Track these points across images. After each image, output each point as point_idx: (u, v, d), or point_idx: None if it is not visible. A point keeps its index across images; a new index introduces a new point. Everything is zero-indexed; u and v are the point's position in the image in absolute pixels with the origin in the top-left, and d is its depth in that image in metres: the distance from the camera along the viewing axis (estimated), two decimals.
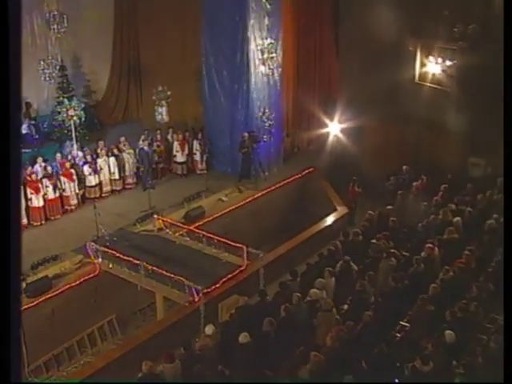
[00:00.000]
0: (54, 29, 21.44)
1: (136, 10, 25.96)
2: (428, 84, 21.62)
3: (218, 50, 21.36)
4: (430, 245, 15.03)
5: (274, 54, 21.36)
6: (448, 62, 21.12)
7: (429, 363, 11.06)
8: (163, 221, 18.60)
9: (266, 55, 21.09)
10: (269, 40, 21.16)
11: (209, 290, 15.65)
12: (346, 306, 14.15)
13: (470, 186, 19.47)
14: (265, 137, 21.63)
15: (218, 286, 15.94)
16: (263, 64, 21.24)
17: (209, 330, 12.92)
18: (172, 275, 15.44)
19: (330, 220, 20.30)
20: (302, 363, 11.84)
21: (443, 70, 21.37)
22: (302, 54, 24.13)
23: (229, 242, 16.96)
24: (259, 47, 21.00)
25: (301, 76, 24.33)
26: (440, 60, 21.34)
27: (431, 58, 21.47)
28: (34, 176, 18.75)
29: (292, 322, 12.98)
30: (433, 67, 21.54)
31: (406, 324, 13.30)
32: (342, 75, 23.98)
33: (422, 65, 21.81)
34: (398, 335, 13.13)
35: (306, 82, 24.50)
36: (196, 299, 15.24)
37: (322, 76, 25.12)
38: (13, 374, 3.87)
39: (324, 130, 23.75)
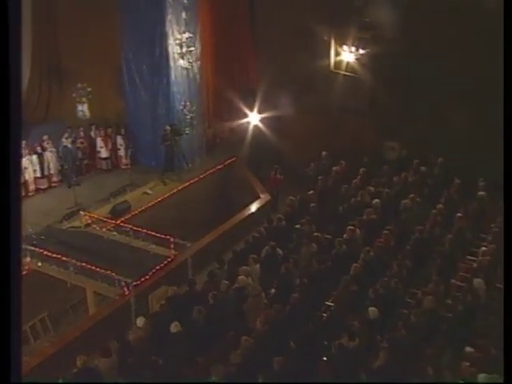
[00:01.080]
0: None
1: (53, 8, 25.60)
2: (343, 72, 22.17)
3: (136, 45, 21.38)
4: (351, 227, 15.58)
5: (192, 48, 21.54)
6: (361, 51, 21.71)
7: (355, 339, 11.55)
8: (90, 216, 18.59)
9: (184, 49, 21.26)
10: (187, 34, 21.31)
11: (138, 282, 15.74)
12: (273, 290, 14.54)
13: (386, 168, 20.20)
14: (187, 129, 21.79)
15: (147, 277, 16.04)
16: (182, 58, 21.40)
17: (140, 321, 13.05)
18: (101, 270, 15.52)
19: (253, 207, 20.66)
20: (234, 348, 12.19)
21: (357, 59, 21.96)
22: (220, 47, 24.34)
23: (156, 234, 17.11)
24: (177, 41, 21.14)
25: (220, 68, 24.55)
26: (354, 49, 21.91)
27: (345, 46, 22.01)
28: None
29: (221, 309, 13.24)
30: (347, 56, 22.09)
31: (331, 304, 13.82)
32: (260, 66, 24.33)
33: (337, 54, 22.33)
34: (324, 315, 13.63)
35: (225, 73, 24.72)
36: (126, 292, 15.35)
37: (241, 67, 25.39)
38: (13, 374, 3.83)
39: (244, 120, 24.06)
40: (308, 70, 22.02)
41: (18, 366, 3.93)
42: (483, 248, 14.66)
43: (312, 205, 17.43)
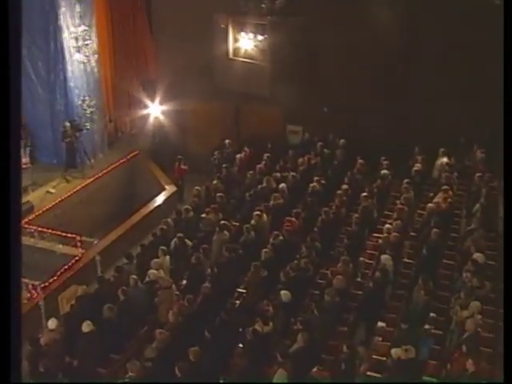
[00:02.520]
0: None
1: None
2: (242, 59, 22.17)
3: (30, 41, 20.72)
4: (258, 212, 15.64)
5: (88, 41, 21.08)
6: (259, 37, 21.74)
7: (269, 324, 11.61)
8: None
9: (80, 42, 20.78)
10: (82, 27, 20.83)
11: (46, 284, 15.38)
12: (184, 282, 14.46)
13: (291, 152, 20.39)
14: (87, 124, 21.36)
15: (55, 278, 15.69)
16: (78, 52, 20.91)
17: (52, 324, 12.69)
18: None
19: (160, 200, 20.46)
20: (148, 342, 12.05)
21: (255, 45, 21.98)
22: (117, 39, 23.93)
23: (61, 234, 16.73)
24: (73, 35, 20.62)
25: (118, 60, 24.17)
26: (252, 35, 21.92)
27: (243, 33, 22.00)
28: None
29: (132, 304, 13.07)
30: (245, 43, 22.08)
31: (243, 290, 13.85)
32: (159, 56, 24.06)
33: (235, 41, 22.30)
34: (237, 302, 13.66)
35: (124, 66, 24.39)
36: (34, 295, 14.95)
37: (140, 59, 25.07)
38: (13, 373, 3.76)
39: (146, 112, 23.81)
40: (207, 59, 21.92)
41: (17, 366, 3.86)
42: (387, 225, 14.99)
43: (218, 194, 17.40)
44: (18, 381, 3.86)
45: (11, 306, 3.74)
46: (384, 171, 18.08)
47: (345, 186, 17.20)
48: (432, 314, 12.27)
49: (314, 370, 11.68)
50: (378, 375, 11.06)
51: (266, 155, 19.78)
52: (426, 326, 11.77)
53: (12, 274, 3.70)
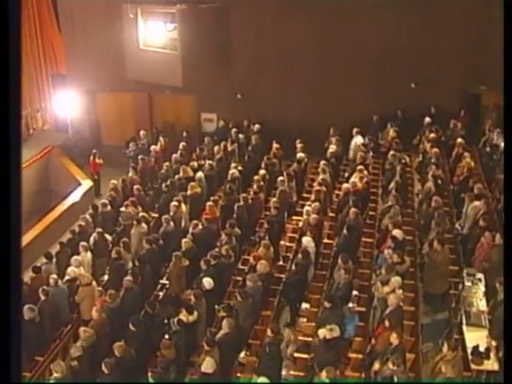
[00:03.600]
0: None
1: None
2: (153, 49, 21.88)
3: None
4: (176, 203, 15.50)
5: None
6: (170, 26, 21.50)
7: (193, 313, 11.56)
8: None
9: None
10: None
11: None
12: (105, 277, 14.25)
13: (206, 140, 20.33)
14: None
15: None
16: None
17: None
18: None
19: (76, 196, 20.05)
20: (73, 341, 11.81)
21: (166, 34, 21.72)
22: (23, 33, 23.29)
23: None
24: None
25: (26, 55, 23.51)
26: (162, 24, 21.64)
27: (153, 22, 21.70)
28: None
29: (54, 304, 12.78)
30: (156, 32, 21.79)
31: (166, 281, 13.74)
32: (69, 49, 23.48)
33: (145, 30, 21.97)
34: (161, 293, 13.55)
35: (32, 60, 23.82)
36: None
37: (47, 52, 24.57)
38: (13, 373, 3.81)
39: (57, 107, 23.32)
40: (117, 50, 21.59)
41: (17, 366, 3.95)
42: (306, 207, 15.12)
43: (135, 186, 17.16)
44: (18, 381, 3.96)
45: (11, 307, 3.81)
46: (300, 154, 18.21)
47: (262, 171, 17.24)
48: (354, 292, 12.47)
49: (242, 355, 11.76)
50: (305, 356, 11.18)
51: (181, 144, 19.63)
52: (350, 304, 11.94)
53: (12, 275, 3.76)
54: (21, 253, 3.88)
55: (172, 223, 14.85)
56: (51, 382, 10.65)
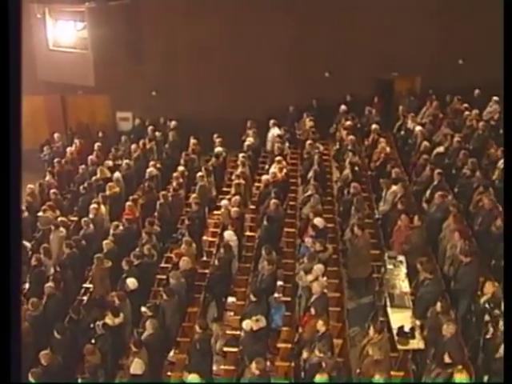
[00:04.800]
0: None
1: None
2: (63, 49, 21.40)
3: None
4: (95, 205, 15.20)
5: None
6: (79, 25, 21.07)
7: (119, 315, 11.38)
8: None
9: None
10: None
11: None
12: (26, 285, 13.89)
13: (124, 138, 20.09)
14: None
15: None
16: None
17: None
18: None
19: None
20: None
21: (76, 34, 21.29)
22: None
23: None
24: None
25: None
26: (71, 23, 21.19)
27: (61, 22, 21.22)
28: None
29: None
30: (65, 31, 21.32)
31: (90, 285, 13.50)
32: None
33: (54, 30, 21.44)
34: (85, 298, 13.29)
35: None
36: None
37: None
38: (13, 373, 3.80)
39: None
40: (26, 52, 20.91)
41: (17, 366, 3.95)
42: (224, 201, 15.11)
43: (52, 190, 16.76)
44: (18, 381, 4.00)
45: (11, 307, 3.83)
46: (218, 148, 18.18)
47: (181, 168, 17.12)
48: (279, 283, 12.55)
49: (171, 354, 11.68)
50: (234, 349, 11.18)
51: (97, 145, 19.28)
52: (276, 295, 12.01)
53: (12, 275, 3.80)
54: (21, 253, 3.99)
55: (92, 225, 14.57)
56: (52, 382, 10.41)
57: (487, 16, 20.20)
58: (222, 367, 11.23)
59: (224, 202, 15.05)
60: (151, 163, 17.65)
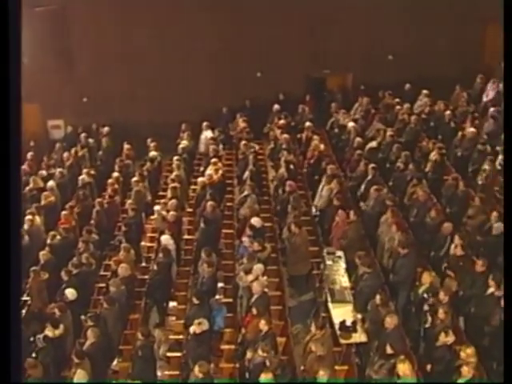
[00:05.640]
0: None
1: None
2: None
3: None
4: (30, 216, 14.87)
5: None
6: None
7: (59, 326, 11.18)
8: None
9: None
10: None
11: None
12: None
13: (57, 146, 19.76)
14: None
15: None
16: None
17: None
18: None
19: None
20: None
21: None
22: None
23: None
24: None
25: None
26: None
27: None
28: None
29: None
30: None
31: (27, 298, 13.21)
32: None
33: None
34: (23, 311, 13.00)
35: None
36: None
37: None
38: (13, 373, 3.92)
39: None
40: None
41: (17, 365, 4.13)
42: (157, 206, 15.06)
43: None
44: (18, 381, 4.13)
45: (11, 307, 3.98)
46: (152, 153, 18.04)
47: (115, 174, 16.91)
48: (220, 284, 12.54)
49: (114, 363, 11.54)
50: (178, 354, 11.12)
51: (29, 154, 18.86)
52: (217, 297, 12.00)
53: (12, 275, 3.94)
54: (21, 256, 4.06)
55: (27, 237, 14.26)
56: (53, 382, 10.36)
57: (414, 13, 20.71)
58: (166, 372, 11.15)
59: (157, 208, 14.96)
60: (84, 170, 17.39)
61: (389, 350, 9.77)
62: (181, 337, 11.55)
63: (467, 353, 9.23)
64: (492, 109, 17.75)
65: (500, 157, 15.20)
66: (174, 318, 12.72)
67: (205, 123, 19.33)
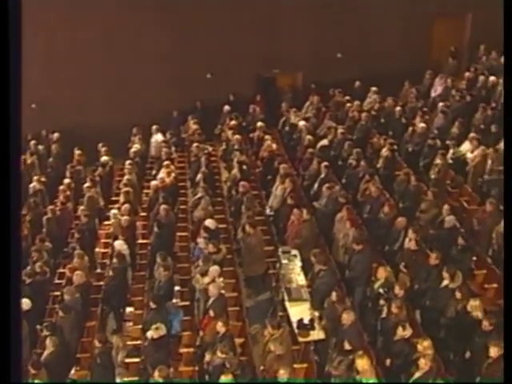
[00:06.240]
0: None
1: None
2: None
3: None
4: None
5: None
6: None
7: None
8: None
9: None
10: None
11: None
12: None
13: None
14: None
15: None
16: None
17: None
18: None
19: None
20: None
21: None
22: None
23: None
24: None
25: None
26: None
27: None
28: None
29: None
30: None
31: None
32: None
33: None
34: None
35: None
36: None
37: None
38: (13, 373, 3.79)
39: None
40: None
41: (17, 366, 3.98)
42: (115, 210, 14.92)
43: None
44: (18, 381, 3.99)
45: (11, 307, 3.87)
46: (104, 157, 17.85)
47: (67, 180, 16.71)
48: (176, 288, 12.48)
49: (72, 372, 11.38)
50: (136, 360, 11.02)
51: None
52: (174, 300, 11.93)
53: (12, 275, 3.82)
54: (21, 256, 3.96)
55: None
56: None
57: (361, 11, 20.94)
58: (126, 379, 11.03)
59: (114, 211, 14.82)
60: (34, 178, 17.14)
61: (347, 346, 9.84)
62: (139, 342, 11.44)
63: (424, 345, 9.34)
64: (441, 104, 18.06)
65: (451, 151, 15.49)
66: (131, 324, 12.59)
67: (154, 126, 19.23)
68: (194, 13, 20.46)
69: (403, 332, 9.87)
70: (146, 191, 16.86)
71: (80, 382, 10.68)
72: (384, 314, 10.55)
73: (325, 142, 16.92)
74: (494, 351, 9.06)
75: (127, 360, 11.19)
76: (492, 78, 18.87)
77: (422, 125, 16.57)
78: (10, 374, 3.88)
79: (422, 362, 9.12)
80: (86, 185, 16.09)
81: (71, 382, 10.71)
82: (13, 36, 3.84)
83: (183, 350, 11.42)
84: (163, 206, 14.06)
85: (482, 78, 19.21)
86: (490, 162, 14.73)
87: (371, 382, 9.15)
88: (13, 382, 3.90)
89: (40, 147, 19.42)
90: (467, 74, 20.12)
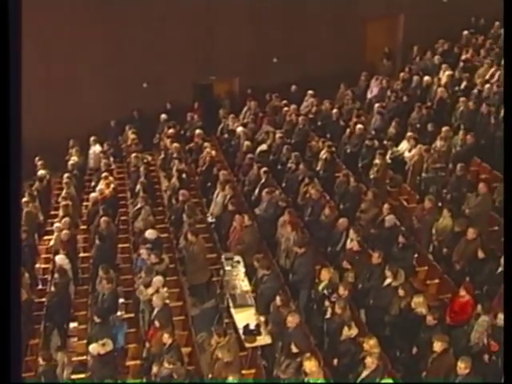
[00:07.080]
0: None
1: None
2: None
3: None
4: None
5: None
6: None
7: None
8: None
9: None
10: None
11: None
12: None
13: None
14: None
15: None
16: None
17: None
18: None
19: None
20: None
21: None
22: None
23: None
24: None
25: None
26: None
27: None
28: None
29: None
30: None
31: None
32: None
33: None
34: None
35: None
36: None
37: None
38: (13, 373, 3.83)
39: None
40: None
41: (17, 365, 4.11)
42: (56, 225, 14.70)
43: None
44: (18, 381, 4.09)
45: (11, 306, 3.90)
46: (41, 171, 17.52)
47: (35, 183, 16.51)
48: (121, 300, 12.35)
49: None
50: (83, 375, 10.86)
51: None
52: (118, 313, 11.81)
53: (12, 274, 3.84)
54: (21, 255, 4.20)
55: None
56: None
57: (295, 16, 21.14)
58: None
59: (57, 225, 14.57)
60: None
61: (294, 349, 9.89)
62: (84, 358, 11.27)
63: (370, 344, 9.46)
64: (377, 105, 18.34)
65: (389, 151, 15.76)
66: (75, 339, 12.41)
67: (92, 138, 18.97)
68: (129, 22, 20.30)
69: (349, 332, 9.98)
70: (85, 204, 16.63)
71: (79, 382, 10.47)
72: (329, 315, 10.64)
73: (263, 146, 16.98)
74: (438, 346, 9.24)
75: (73, 376, 11.01)
76: (426, 78, 19.28)
77: (360, 126, 16.79)
78: (10, 374, 3.89)
79: (368, 360, 9.22)
80: (24, 200, 15.76)
81: (71, 382, 10.50)
82: (13, 35, 3.91)
83: (130, 363, 11.30)
84: (103, 218, 13.90)
85: (416, 78, 19.61)
86: (426, 160, 15.01)
87: (319, 382, 9.20)
88: (13, 382, 3.93)
89: None
90: (402, 74, 20.49)
